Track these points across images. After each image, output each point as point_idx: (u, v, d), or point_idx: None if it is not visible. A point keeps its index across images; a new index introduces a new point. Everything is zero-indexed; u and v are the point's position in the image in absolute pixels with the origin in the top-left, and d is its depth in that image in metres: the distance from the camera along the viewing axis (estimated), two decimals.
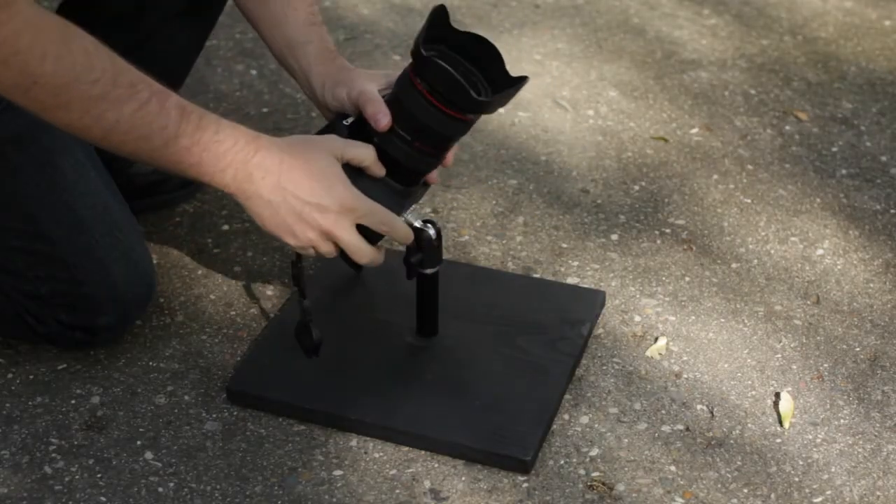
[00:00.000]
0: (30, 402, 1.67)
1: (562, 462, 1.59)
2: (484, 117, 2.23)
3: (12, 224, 1.62)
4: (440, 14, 1.52)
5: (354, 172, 1.52)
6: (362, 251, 1.53)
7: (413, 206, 1.60)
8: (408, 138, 1.53)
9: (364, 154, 1.53)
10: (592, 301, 1.80)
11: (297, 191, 1.47)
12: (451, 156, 1.60)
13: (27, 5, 1.32)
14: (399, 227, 1.55)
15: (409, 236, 1.57)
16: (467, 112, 1.51)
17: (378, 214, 1.52)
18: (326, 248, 1.52)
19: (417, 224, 1.59)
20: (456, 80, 1.48)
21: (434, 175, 1.61)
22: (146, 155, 1.43)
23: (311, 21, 1.68)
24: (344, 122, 1.57)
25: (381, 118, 1.53)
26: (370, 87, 1.57)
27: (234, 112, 2.25)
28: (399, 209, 1.56)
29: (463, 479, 1.56)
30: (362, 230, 1.53)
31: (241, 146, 1.46)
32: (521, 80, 1.50)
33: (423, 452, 1.59)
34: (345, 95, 1.60)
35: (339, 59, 1.66)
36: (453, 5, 2.59)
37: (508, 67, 1.53)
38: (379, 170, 1.54)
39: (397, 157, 1.54)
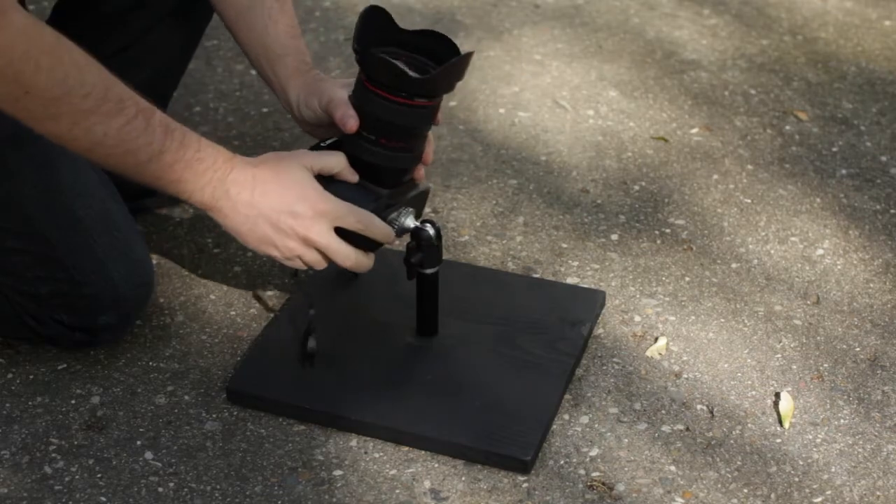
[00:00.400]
0: (30, 402, 1.67)
1: (562, 462, 1.59)
2: (482, 115, 2.23)
3: (10, 225, 1.61)
4: (374, 15, 1.54)
5: (329, 181, 1.55)
6: (342, 254, 1.54)
7: (410, 209, 1.60)
8: (372, 138, 1.56)
9: (333, 162, 1.56)
10: (592, 301, 1.80)
11: (271, 202, 1.51)
12: (430, 151, 1.62)
13: (20, 15, 1.33)
14: (376, 224, 1.55)
15: (389, 235, 1.58)
16: (413, 95, 1.52)
17: (352, 214, 1.53)
18: (312, 257, 1.54)
19: (413, 224, 1.60)
20: (390, 64, 1.50)
21: (420, 172, 1.62)
22: (130, 169, 1.46)
23: (290, 34, 1.70)
24: (322, 144, 1.61)
25: (348, 120, 1.56)
26: (339, 92, 1.60)
27: (234, 112, 2.25)
28: (382, 211, 1.56)
29: (463, 479, 1.56)
30: (348, 237, 1.54)
31: (220, 164, 1.50)
32: (464, 55, 1.52)
33: (423, 452, 1.59)
34: (316, 104, 1.63)
35: (314, 72, 1.69)
36: (453, 5, 2.59)
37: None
38: (351, 175, 1.56)
39: (370, 159, 1.57)
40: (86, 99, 1.38)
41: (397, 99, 1.52)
